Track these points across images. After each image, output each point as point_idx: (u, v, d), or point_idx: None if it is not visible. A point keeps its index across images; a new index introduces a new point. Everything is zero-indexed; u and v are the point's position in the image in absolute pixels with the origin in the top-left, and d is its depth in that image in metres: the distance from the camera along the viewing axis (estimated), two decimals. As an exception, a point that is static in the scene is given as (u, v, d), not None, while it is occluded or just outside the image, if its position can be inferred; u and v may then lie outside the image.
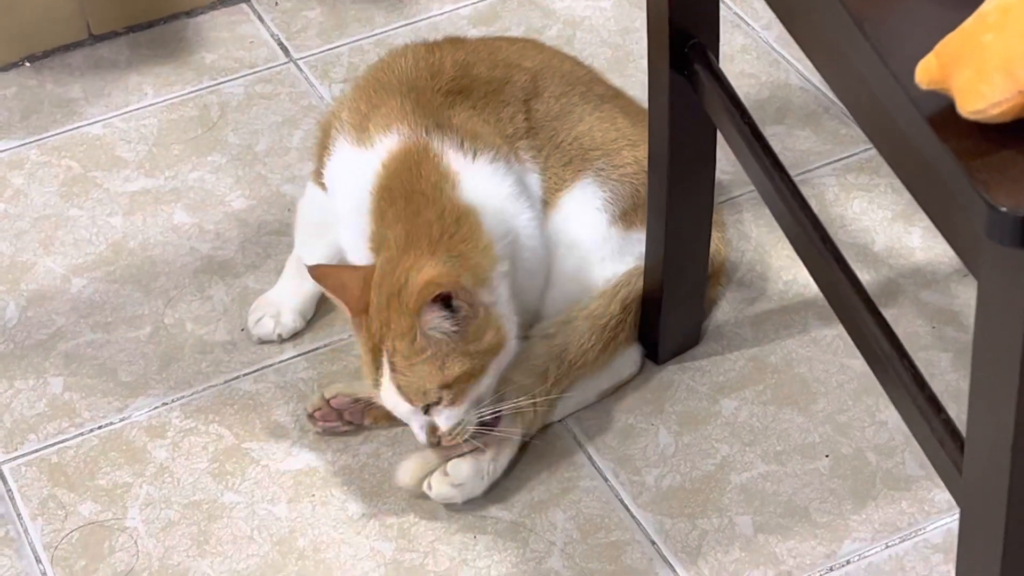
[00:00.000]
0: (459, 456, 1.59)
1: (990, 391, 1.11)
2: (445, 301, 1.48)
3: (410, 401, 1.53)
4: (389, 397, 1.55)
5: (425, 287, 1.48)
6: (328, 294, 1.58)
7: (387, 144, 1.59)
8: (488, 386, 1.56)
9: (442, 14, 2.20)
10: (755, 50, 2.12)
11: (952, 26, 1.04)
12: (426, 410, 1.54)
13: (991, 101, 1.01)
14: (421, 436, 1.56)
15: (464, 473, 1.59)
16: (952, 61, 1.03)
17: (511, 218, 1.59)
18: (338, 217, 1.63)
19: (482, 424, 1.56)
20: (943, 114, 1.04)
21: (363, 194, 1.58)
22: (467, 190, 1.56)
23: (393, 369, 1.52)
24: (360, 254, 1.59)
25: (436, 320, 1.49)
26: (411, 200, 1.54)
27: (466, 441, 1.57)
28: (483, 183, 1.57)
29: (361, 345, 1.56)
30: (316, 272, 1.57)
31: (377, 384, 1.55)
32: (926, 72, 1.04)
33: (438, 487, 1.59)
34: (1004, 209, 0.98)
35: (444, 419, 1.55)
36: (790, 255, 1.83)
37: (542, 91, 1.69)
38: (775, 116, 2.03)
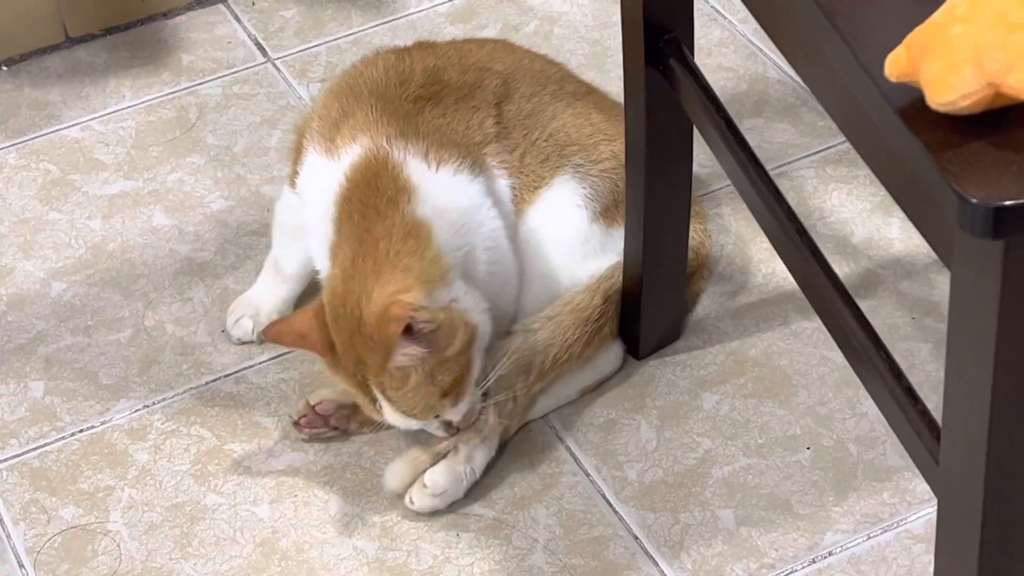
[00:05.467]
0: (433, 465, 1.60)
1: (965, 382, 1.11)
2: (407, 330, 1.48)
3: (420, 418, 1.55)
4: (397, 420, 1.56)
5: (384, 329, 1.47)
6: (289, 347, 1.59)
7: (351, 154, 1.59)
8: (480, 369, 1.57)
9: (419, 12, 2.20)
10: (732, 43, 2.12)
11: (922, 18, 1.05)
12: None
13: (961, 93, 1.01)
14: (440, 434, 1.59)
15: (442, 482, 1.60)
16: (921, 53, 1.03)
17: (469, 231, 1.58)
18: (308, 224, 1.63)
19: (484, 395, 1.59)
20: (913, 106, 1.04)
21: (328, 204, 1.58)
22: (423, 203, 1.55)
23: (389, 400, 1.53)
24: (324, 263, 1.59)
25: (406, 352, 1.49)
26: (365, 215, 1.54)
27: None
28: (442, 196, 1.57)
29: (344, 382, 1.56)
30: (269, 334, 1.58)
31: (379, 413, 1.56)
32: (896, 64, 1.04)
33: (420, 500, 1.60)
34: (975, 200, 0.99)
35: (455, 414, 1.56)
36: (769, 248, 1.83)
37: (513, 93, 1.69)
38: (753, 109, 2.03)
